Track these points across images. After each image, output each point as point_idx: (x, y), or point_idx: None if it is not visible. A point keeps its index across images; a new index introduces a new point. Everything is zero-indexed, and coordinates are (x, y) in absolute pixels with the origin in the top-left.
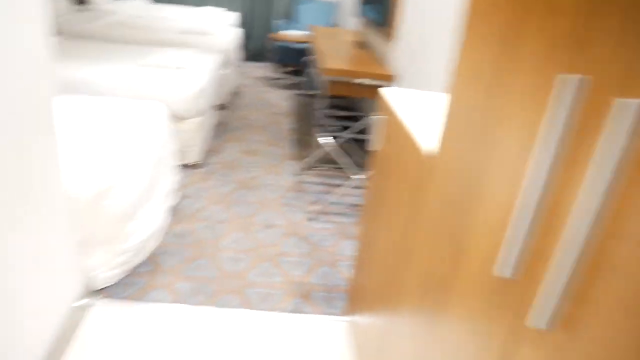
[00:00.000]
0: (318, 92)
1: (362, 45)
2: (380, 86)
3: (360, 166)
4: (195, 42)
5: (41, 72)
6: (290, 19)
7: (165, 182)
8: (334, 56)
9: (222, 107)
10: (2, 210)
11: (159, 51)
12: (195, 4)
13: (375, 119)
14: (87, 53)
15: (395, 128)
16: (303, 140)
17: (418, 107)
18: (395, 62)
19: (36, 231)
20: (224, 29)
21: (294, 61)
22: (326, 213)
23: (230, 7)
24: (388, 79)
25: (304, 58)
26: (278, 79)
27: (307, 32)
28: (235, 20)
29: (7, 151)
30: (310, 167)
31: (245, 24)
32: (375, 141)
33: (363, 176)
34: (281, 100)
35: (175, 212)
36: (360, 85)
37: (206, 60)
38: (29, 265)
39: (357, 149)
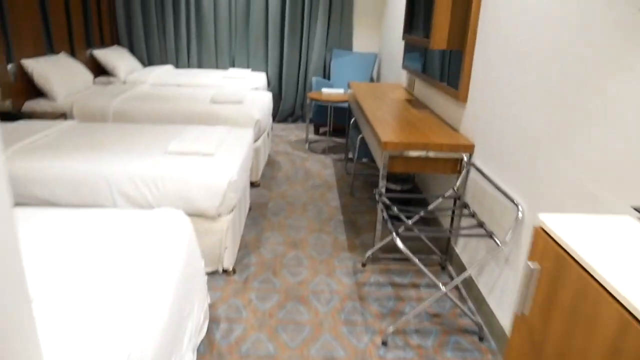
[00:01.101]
0: (366, 159)
1: (415, 103)
2: (457, 159)
3: (438, 259)
4: (225, 113)
5: None
6: (324, 74)
7: (193, 318)
8: (388, 122)
9: (255, 184)
10: None
11: (184, 131)
12: (220, 65)
13: (526, 269)
14: (103, 141)
15: (573, 281)
16: (355, 222)
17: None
18: (469, 124)
19: None
20: (254, 95)
21: (332, 121)
22: (403, 332)
23: (256, 67)
24: (467, 150)
25: (347, 119)
26: (316, 141)
27: (345, 90)
28: (263, 82)
29: None
30: (371, 261)
31: (276, 82)
32: (522, 301)
33: (448, 280)
34: (322, 168)
35: (207, 348)
36: (429, 159)
37: (238, 138)
38: None
39: (430, 236)
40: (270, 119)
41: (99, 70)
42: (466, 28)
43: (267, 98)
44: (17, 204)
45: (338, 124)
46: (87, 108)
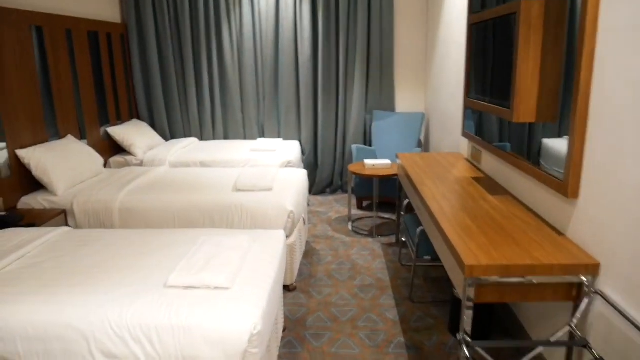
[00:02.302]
0: (429, 257)
1: (488, 185)
2: (574, 283)
3: None
4: (251, 204)
5: None
6: (365, 139)
7: None
8: (463, 223)
9: (290, 288)
10: None
11: (195, 244)
12: (248, 135)
13: None
14: (88, 267)
15: None
16: (422, 347)
17: None
18: (587, 230)
19: None
20: (286, 175)
21: (377, 194)
22: None
23: (289, 135)
24: (589, 271)
25: (396, 190)
26: (360, 219)
27: (391, 161)
28: (297, 152)
29: None
30: None
31: (311, 150)
32: None
33: None
34: (371, 258)
35: None
36: (532, 284)
37: (265, 251)
38: None
39: None
40: (306, 199)
41: (115, 148)
42: (570, 94)
43: (301, 177)
44: None
45: (385, 196)
46: (90, 204)
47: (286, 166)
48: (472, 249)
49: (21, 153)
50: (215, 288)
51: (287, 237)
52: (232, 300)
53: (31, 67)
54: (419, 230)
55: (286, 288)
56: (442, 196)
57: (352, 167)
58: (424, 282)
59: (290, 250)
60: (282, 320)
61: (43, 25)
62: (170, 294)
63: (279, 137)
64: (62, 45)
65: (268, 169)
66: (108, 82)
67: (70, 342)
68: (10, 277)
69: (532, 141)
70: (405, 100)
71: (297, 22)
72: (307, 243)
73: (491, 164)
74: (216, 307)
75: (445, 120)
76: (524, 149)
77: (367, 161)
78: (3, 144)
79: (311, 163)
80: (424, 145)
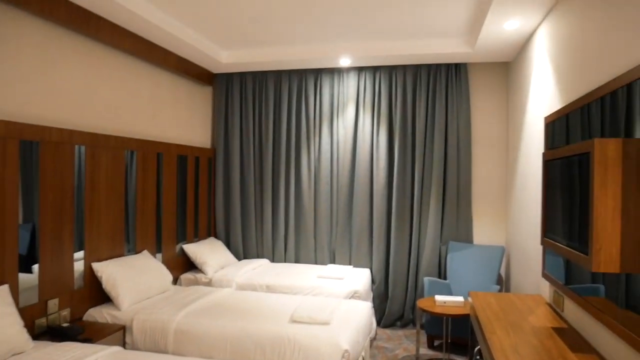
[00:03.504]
0: None
1: (571, 340)
2: None
3: None
4: (305, 338)
5: None
6: (439, 271)
7: None
8: None
9: None
10: None
11: None
12: (319, 260)
13: None
14: None
15: None
16: None
17: None
18: None
19: None
20: (348, 308)
21: (448, 334)
22: None
23: (359, 263)
24: None
25: (469, 332)
26: (430, 359)
27: (465, 298)
28: (365, 281)
29: None
30: None
31: (382, 279)
32: None
33: None
34: None
35: None
36: None
37: None
38: None
39: None
40: (369, 335)
41: (189, 265)
42: None
43: (365, 312)
44: None
45: (459, 336)
46: (147, 323)
47: (352, 296)
48: None
49: (96, 266)
50: None
51: None
52: None
53: (120, 186)
54: None
55: None
56: (512, 350)
57: (422, 303)
58: None
59: None
60: None
61: (137, 150)
62: None
63: (349, 264)
64: (151, 167)
65: (329, 300)
66: (191, 201)
67: None
68: None
69: (631, 294)
70: (484, 232)
71: (374, 150)
72: None
73: (574, 311)
74: None
75: (526, 257)
76: (619, 294)
77: (438, 297)
78: (81, 254)
79: (381, 293)
80: (504, 283)
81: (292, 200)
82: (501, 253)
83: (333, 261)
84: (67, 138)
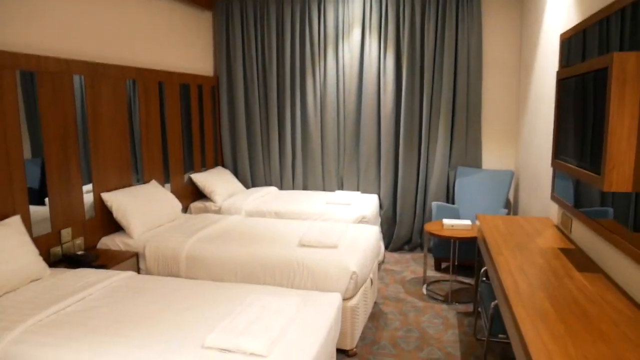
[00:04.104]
0: (504, 336)
1: (578, 259)
2: None
3: None
4: (313, 261)
5: None
6: (447, 196)
7: None
8: (541, 310)
9: (350, 353)
10: None
11: (243, 303)
12: (327, 187)
13: None
14: (133, 318)
15: None
16: None
17: None
18: None
19: None
20: (356, 233)
21: (455, 257)
22: None
23: (367, 188)
24: None
25: (477, 254)
26: (436, 282)
27: (472, 222)
28: (373, 207)
29: None
30: None
31: (390, 204)
32: None
33: None
34: (442, 327)
35: None
36: None
37: (311, 319)
38: None
39: None
40: (377, 258)
41: (197, 194)
42: None
43: (372, 235)
44: None
45: (467, 259)
46: (159, 249)
47: (360, 221)
48: (544, 341)
49: (105, 196)
50: (251, 354)
51: (349, 298)
52: None
53: (123, 117)
54: (493, 304)
55: (345, 353)
56: (519, 269)
57: (430, 227)
58: None
59: (351, 312)
60: None
61: (137, 79)
62: (205, 356)
63: (357, 190)
64: (153, 96)
65: (336, 224)
66: (196, 130)
67: None
68: (64, 320)
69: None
70: (493, 156)
71: (381, 75)
72: (376, 304)
73: (582, 233)
74: None
75: (535, 181)
76: (629, 216)
77: (446, 221)
78: (90, 186)
79: (389, 218)
80: (512, 207)
81: (299, 127)
82: (510, 177)
83: (341, 188)
84: (64, 68)
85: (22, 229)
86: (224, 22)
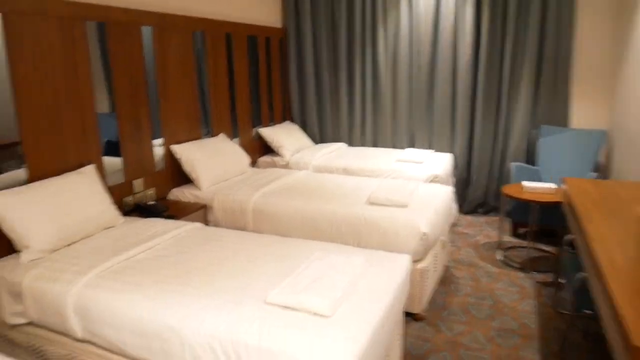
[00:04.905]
0: (590, 312)
1: None
2: None
3: None
4: (382, 220)
5: None
6: (528, 158)
7: None
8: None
9: (417, 317)
10: None
11: (308, 259)
12: (397, 144)
13: None
14: (199, 267)
15: None
16: None
17: None
18: None
19: None
20: (428, 191)
21: (535, 222)
22: None
23: (441, 147)
24: None
25: (561, 219)
26: (512, 248)
27: (556, 186)
28: (446, 167)
29: None
30: None
31: (464, 164)
32: None
33: None
34: (518, 296)
35: None
36: None
37: (385, 271)
38: None
39: None
40: (449, 219)
41: (265, 148)
42: None
43: (445, 195)
44: (88, 341)
45: (547, 224)
46: (227, 202)
47: (432, 181)
48: None
49: (174, 148)
50: (314, 314)
51: (419, 260)
52: (330, 331)
53: (191, 70)
54: (579, 276)
55: (412, 316)
56: (615, 241)
57: (508, 189)
58: (583, 338)
59: (421, 275)
60: (400, 353)
61: (205, 30)
62: (267, 312)
63: (430, 148)
64: (221, 48)
65: (407, 182)
66: (264, 84)
67: (168, 342)
68: (134, 267)
69: None
70: (583, 114)
71: (458, 24)
72: (447, 268)
73: None
74: (310, 336)
75: (634, 141)
76: None
77: (526, 183)
78: (161, 140)
79: (463, 178)
80: (603, 171)
81: (369, 81)
82: (601, 137)
83: (412, 145)
84: (133, 18)
85: (96, 178)
86: None
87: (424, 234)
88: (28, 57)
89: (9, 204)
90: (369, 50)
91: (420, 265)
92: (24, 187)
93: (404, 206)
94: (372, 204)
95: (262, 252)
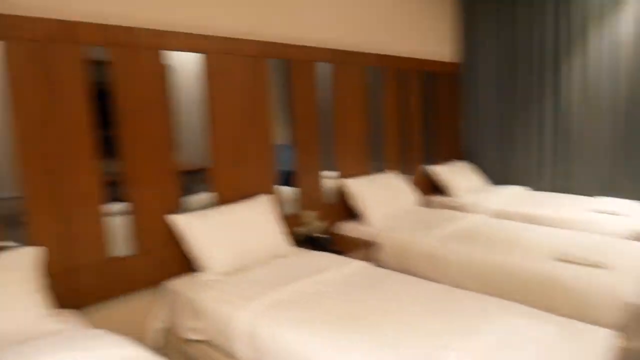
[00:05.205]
0: None
1: None
2: None
3: None
4: (571, 281)
5: None
6: None
7: None
8: None
9: None
10: None
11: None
12: (588, 191)
13: None
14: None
15: None
16: None
17: None
18: None
19: None
20: (634, 250)
21: None
22: None
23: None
24: None
25: None
26: None
27: None
28: None
29: None
30: None
31: None
32: None
33: None
34: None
35: None
36: None
37: (578, 347)
38: None
39: None
40: None
41: (434, 187)
42: None
43: None
44: None
45: None
46: (394, 241)
47: (636, 238)
48: None
49: (346, 182)
50: None
51: (628, 338)
52: None
53: (363, 104)
54: None
55: None
56: None
57: None
58: None
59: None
60: None
61: (378, 66)
62: None
63: (631, 198)
64: (393, 84)
65: (606, 238)
66: (436, 121)
67: None
68: (299, 300)
69: None
70: None
71: None
72: None
73: None
74: None
75: None
76: None
77: None
78: (335, 173)
79: None
80: None
81: (556, 119)
82: None
83: (608, 193)
84: (310, 55)
85: (271, 207)
86: (470, 3)
87: (631, 304)
88: (220, 93)
89: (196, 225)
90: (556, 84)
91: (631, 345)
92: (208, 211)
93: (603, 267)
94: (562, 260)
95: (433, 303)
